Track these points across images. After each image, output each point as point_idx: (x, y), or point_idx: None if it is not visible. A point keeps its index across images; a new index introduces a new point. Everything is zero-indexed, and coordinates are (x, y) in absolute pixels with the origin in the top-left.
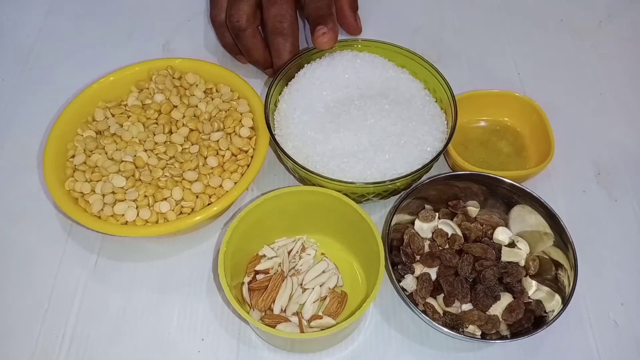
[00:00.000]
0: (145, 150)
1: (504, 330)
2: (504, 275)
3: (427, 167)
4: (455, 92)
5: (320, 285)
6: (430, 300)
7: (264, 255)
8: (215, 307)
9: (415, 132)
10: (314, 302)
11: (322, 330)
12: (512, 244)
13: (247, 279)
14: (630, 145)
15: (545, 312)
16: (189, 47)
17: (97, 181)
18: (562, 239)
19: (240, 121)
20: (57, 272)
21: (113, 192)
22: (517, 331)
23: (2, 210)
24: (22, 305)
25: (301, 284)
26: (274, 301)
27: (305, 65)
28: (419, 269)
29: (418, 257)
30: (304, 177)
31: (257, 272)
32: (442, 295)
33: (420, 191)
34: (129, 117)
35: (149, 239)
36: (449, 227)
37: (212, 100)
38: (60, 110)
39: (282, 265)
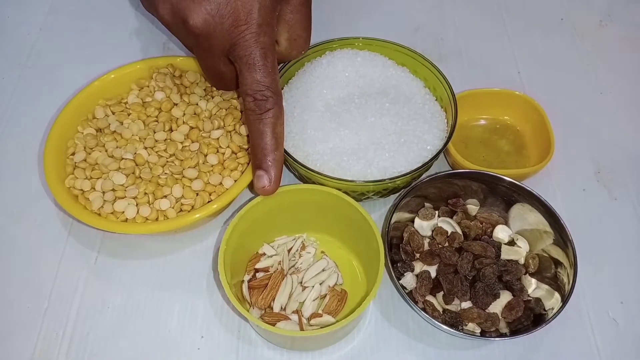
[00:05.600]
0: (146, 148)
1: (503, 328)
2: (503, 273)
3: (427, 165)
4: (456, 91)
5: (320, 284)
6: (429, 298)
7: (264, 254)
8: (215, 305)
9: (415, 130)
10: (313, 300)
11: (321, 328)
12: (511, 242)
13: (247, 277)
14: (631, 143)
15: (544, 310)
16: None
17: (97, 178)
18: (562, 237)
19: (241, 119)
20: (58, 270)
21: (113, 190)
22: (517, 329)
23: (2, 208)
24: (23, 303)
25: (301, 282)
26: (273, 299)
27: (306, 63)
28: (418, 266)
29: (418, 255)
30: (304, 175)
31: (257, 270)
32: (442, 293)
33: (420, 189)
34: (129, 114)
35: (149, 236)
36: (449, 225)
37: (213, 98)
38: (61, 108)
39: (282, 263)
